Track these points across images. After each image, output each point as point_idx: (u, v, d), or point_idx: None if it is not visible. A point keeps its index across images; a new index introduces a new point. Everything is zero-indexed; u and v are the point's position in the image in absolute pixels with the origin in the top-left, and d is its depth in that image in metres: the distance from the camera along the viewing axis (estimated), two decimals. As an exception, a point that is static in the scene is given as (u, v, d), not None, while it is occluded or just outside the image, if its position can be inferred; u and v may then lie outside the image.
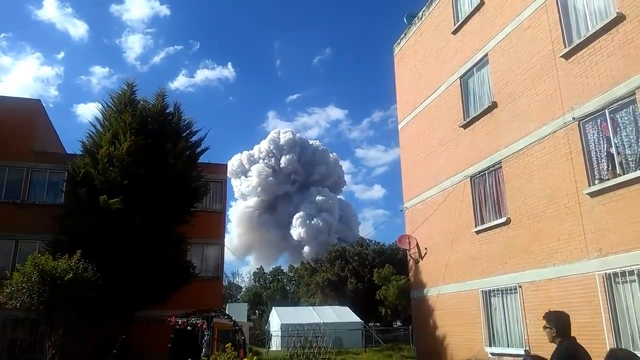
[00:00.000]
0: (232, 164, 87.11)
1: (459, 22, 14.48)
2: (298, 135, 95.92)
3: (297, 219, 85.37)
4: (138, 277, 14.69)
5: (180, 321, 11.22)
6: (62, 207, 17.49)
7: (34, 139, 20.03)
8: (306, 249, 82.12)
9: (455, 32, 14.65)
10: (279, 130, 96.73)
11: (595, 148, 9.67)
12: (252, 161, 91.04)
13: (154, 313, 14.11)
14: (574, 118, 10.00)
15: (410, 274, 16.86)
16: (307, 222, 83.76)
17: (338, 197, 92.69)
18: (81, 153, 17.52)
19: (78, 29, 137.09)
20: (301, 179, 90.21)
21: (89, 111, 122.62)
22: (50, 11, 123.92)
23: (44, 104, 24.50)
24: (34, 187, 19.52)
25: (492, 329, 12.06)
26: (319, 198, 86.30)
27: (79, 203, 16.06)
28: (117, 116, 17.15)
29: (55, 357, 11.48)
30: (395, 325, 40.52)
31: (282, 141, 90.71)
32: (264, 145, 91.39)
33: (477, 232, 12.79)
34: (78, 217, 15.63)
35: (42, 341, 16.15)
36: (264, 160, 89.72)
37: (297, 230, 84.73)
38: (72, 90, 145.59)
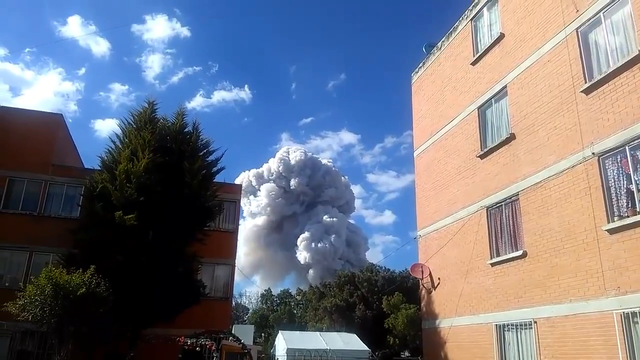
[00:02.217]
0: (240, 180, 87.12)
1: (479, 54, 14.59)
2: (310, 154, 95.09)
3: (301, 242, 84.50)
4: (149, 293, 14.69)
5: (189, 341, 11.15)
6: (77, 220, 17.66)
7: (54, 152, 20.37)
8: (311, 272, 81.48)
9: (474, 63, 14.76)
10: (288, 148, 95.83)
11: (614, 184, 9.58)
12: (261, 180, 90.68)
13: (163, 331, 14.06)
14: (593, 153, 9.95)
15: (422, 304, 16.64)
16: (312, 244, 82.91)
17: (348, 220, 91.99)
18: (99, 168, 17.74)
19: (100, 47, 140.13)
20: (310, 199, 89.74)
21: (106, 127, 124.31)
22: (74, 28, 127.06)
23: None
24: (50, 200, 19.76)
25: (505, 365, 11.79)
26: (326, 218, 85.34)
27: (94, 217, 16.20)
28: (137, 133, 17.40)
29: (62, 371, 11.44)
30: (403, 356, 39.77)
31: (292, 161, 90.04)
32: (274, 164, 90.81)
33: (492, 264, 12.64)
34: (93, 232, 15.75)
35: (50, 354, 16.13)
36: (273, 181, 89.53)
37: (302, 254, 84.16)
38: (91, 105, 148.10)
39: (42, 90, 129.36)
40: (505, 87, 13.20)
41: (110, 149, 18.16)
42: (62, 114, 22.55)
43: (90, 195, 17.18)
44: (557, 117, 11.14)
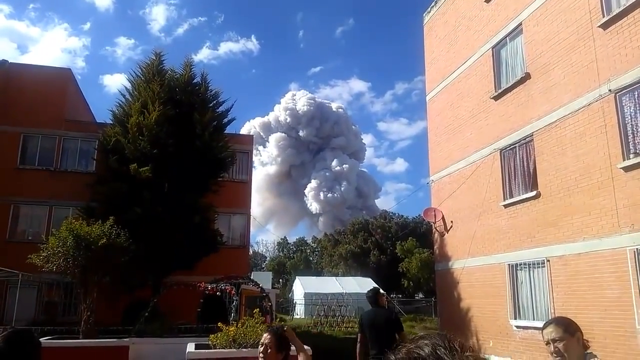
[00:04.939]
0: (246, 131, 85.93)
1: (493, -10, 14.03)
2: (318, 100, 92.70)
3: (309, 192, 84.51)
4: (168, 243, 15.08)
5: (209, 286, 11.50)
6: (93, 174, 17.93)
7: (66, 107, 20.40)
8: (321, 219, 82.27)
9: (488, 0, 14.21)
10: (294, 94, 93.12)
11: (631, 121, 9.41)
12: (268, 129, 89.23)
13: (184, 278, 14.50)
14: (610, 90, 9.71)
15: (435, 247, 16.87)
16: (321, 194, 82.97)
17: (359, 168, 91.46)
18: (111, 122, 17.80)
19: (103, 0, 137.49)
20: (318, 147, 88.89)
21: (115, 82, 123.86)
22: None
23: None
24: (66, 155, 20.00)
25: (518, 303, 12.06)
26: (335, 165, 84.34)
27: (110, 171, 16.43)
28: (146, 86, 17.29)
29: (90, 318, 11.91)
30: (417, 297, 40.81)
31: (299, 110, 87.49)
32: (280, 114, 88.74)
33: (505, 206, 12.67)
34: (109, 185, 16.00)
35: (76, 304, 16.84)
36: (282, 130, 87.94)
37: (312, 204, 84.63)
38: (99, 61, 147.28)
39: (49, 47, 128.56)
40: (520, 24, 12.76)
41: (120, 102, 18.14)
42: (70, 69, 22.44)
43: (104, 149, 17.33)
44: (574, 54, 10.80)
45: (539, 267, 11.39)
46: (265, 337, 3.15)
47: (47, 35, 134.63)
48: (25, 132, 19.43)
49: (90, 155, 19.57)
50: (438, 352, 1.03)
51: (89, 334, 11.56)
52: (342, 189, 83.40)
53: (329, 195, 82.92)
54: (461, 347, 1.05)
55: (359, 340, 6.68)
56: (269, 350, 3.10)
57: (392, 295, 39.13)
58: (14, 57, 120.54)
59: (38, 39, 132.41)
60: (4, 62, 19.53)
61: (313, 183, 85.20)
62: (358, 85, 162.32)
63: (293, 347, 3.30)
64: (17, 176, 18.90)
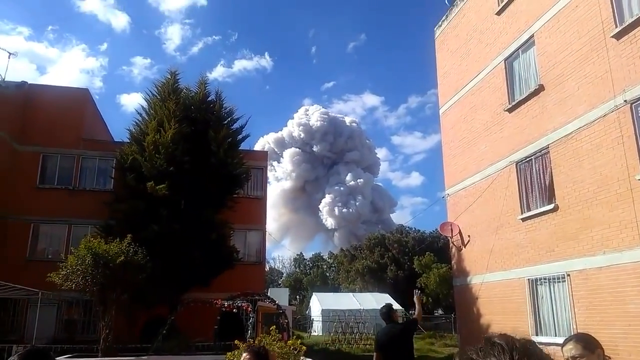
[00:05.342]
0: (260, 147, 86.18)
1: (504, 3, 14.03)
2: (332, 115, 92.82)
3: (324, 207, 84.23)
4: (184, 260, 15.18)
5: (226, 303, 11.53)
6: (111, 193, 18.20)
7: (84, 127, 20.82)
8: (337, 234, 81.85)
9: (499, 12, 14.22)
10: (306, 109, 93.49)
11: (649, 131, 9.26)
12: (282, 145, 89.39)
13: (201, 295, 14.57)
14: (625, 101, 9.59)
15: (452, 262, 16.68)
16: (336, 209, 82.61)
17: (374, 182, 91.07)
18: (128, 141, 18.11)
19: (119, 20, 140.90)
20: (332, 162, 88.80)
21: (131, 101, 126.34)
22: (92, 2, 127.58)
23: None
24: (84, 173, 20.34)
25: (539, 318, 11.82)
26: (350, 180, 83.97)
27: (127, 189, 16.67)
28: (162, 104, 17.60)
29: (108, 336, 12.03)
30: (436, 314, 40.25)
31: (313, 125, 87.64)
32: (294, 129, 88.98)
33: (523, 219, 12.51)
34: (127, 203, 16.23)
35: (94, 321, 16.98)
36: (296, 146, 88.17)
37: (327, 220, 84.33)
38: (116, 80, 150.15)
39: (68, 68, 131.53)
40: (532, 36, 12.72)
41: (137, 121, 18.48)
42: (88, 89, 22.93)
43: (121, 168, 17.62)
44: (587, 64, 10.72)
45: (560, 281, 11.18)
46: (245, 356, 3.17)
47: (65, 56, 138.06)
48: (44, 152, 19.83)
49: (107, 174, 19.88)
50: None
51: (107, 352, 11.65)
52: (357, 203, 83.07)
53: (344, 210, 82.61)
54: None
55: (375, 358, 6.60)
56: None
57: (410, 312, 38.67)
58: (33, 78, 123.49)
59: (56, 60, 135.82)
60: (24, 83, 20.04)
61: (327, 198, 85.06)
62: (371, 99, 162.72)
63: None
64: (37, 195, 19.26)
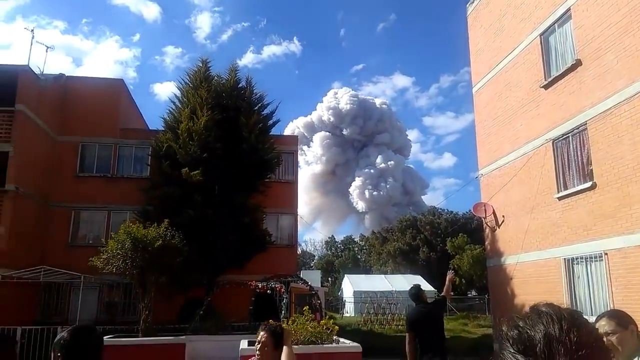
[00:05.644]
0: (289, 131, 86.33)
1: (539, -24, 13.59)
2: (362, 97, 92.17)
3: (354, 190, 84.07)
4: (219, 243, 15.51)
5: (260, 285, 11.76)
6: (147, 179, 18.65)
7: (120, 116, 21.33)
8: (367, 217, 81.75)
9: (534, -14, 13.78)
10: (336, 92, 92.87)
11: (694, 104, 8.89)
12: (311, 129, 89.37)
13: (235, 277, 14.90)
14: (670, 73, 9.22)
15: (486, 243, 16.51)
16: (366, 192, 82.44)
17: (405, 164, 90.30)
18: (163, 129, 18.47)
19: (151, 11, 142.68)
20: (363, 144, 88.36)
21: (164, 90, 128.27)
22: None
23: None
24: (121, 162, 20.88)
25: (575, 298, 11.64)
26: (380, 162, 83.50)
27: (163, 176, 17.06)
28: (194, 92, 17.84)
29: (148, 317, 12.44)
30: (469, 295, 39.97)
31: (342, 109, 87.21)
32: (324, 113, 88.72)
33: (560, 198, 12.25)
34: (163, 189, 16.62)
35: (134, 304, 17.57)
36: (326, 130, 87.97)
37: (358, 203, 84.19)
38: (149, 70, 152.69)
39: (102, 59, 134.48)
40: (569, 9, 12.30)
41: (171, 109, 18.79)
42: (122, 80, 23.43)
43: (157, 155, 18.02)
44: (626, 37, 10.32)
45: (597, 260, 10.95)
46: (262, 335, 3.25)
47: (99, 48, 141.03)
48: (83, 142, 20.44)
49: (144, 161, 20.36)
50: (551, 340, 0.96)
51: (147, 332, 12.07)
52: (388, 186, 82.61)
53: (374, 193, 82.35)
54: (579, 337, 0.95)
55: (408, 340, 6.62)
56: (265, 348, 3.19)
57: (442, 293, 38.48)
58: (69, 70, 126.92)
59: (91, 52, 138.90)
60: (62, 75, 20.61)
61: (358, 181, 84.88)
62: (402, 80, 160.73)
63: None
64: (77, 183, 19.93)
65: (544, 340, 0.96)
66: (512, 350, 0.99)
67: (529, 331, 1.00)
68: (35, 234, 18.11)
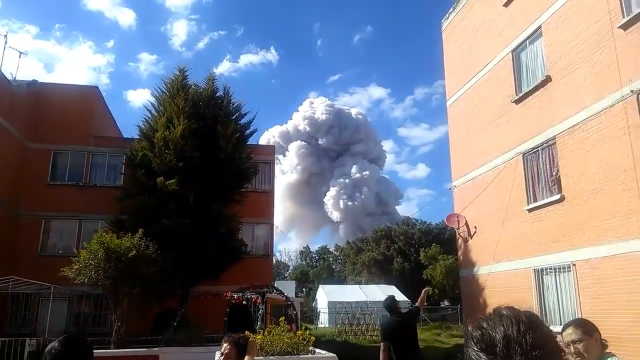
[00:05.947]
0: (265, 140, 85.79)
1: (511, -5, 14.04)
2: (337, 107, 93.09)
3: (329, 200, 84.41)
4: (194, 253, 15.37)
5: (235, 296, 11.72)
6: (121, 188, 18.39)
7: (93, 124, 21.03)
8: (342, 227, 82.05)
9: (506, 4, 14.22)
10: (311, 101, 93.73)
11: (656, 122, 9.30)
12: (287, 138, 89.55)
13: (210, 288, 14.77)
14: (632, 91, 9.64)
15: (459, 253, 16.79)
16: (340, 202, 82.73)
17: (379, 174, 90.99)
18: (138, 137, 18.28)
19: (126, 17, 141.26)
20: (338, 154, 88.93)
21: (138, 97, 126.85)
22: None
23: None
24: (94, 170, 20.57)
25: (545, 308, 11.93)
26: (355, 172, 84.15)
27: (137, 184, 16.86)
28: (171, 101, 17.74)
29: (120, 329, 12.25)
30: (442, 305, 40.39)
31: (318, 118, 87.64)
32: (300, 122, 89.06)
33: (530, 210, 12.59)
34: (137, 198, 16.42)
35: (105, 315, 17.23)
36: (301, 139, 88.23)
37: (332, 213, 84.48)
38: (123, 77, 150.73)
39: (75, 65, 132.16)
40: (540, 27, 12.74)
41: (146, 117, 18.63)
42: (97, 87, 23.18)
43: (131, 164, 17.82)
44: (594, 55, 10.75)
45: (565, 271, 11.28)
46: (225, 347, 3.30)
47: (72, 54, 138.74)
48: (55, 149, 20.07)
49: (118, 170, 20.10)
50: (509, 340, 1.06)
51: (120, 343, 11.87)
52: (362, 196, 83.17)
53: (349, 203, 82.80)
54: (535, 338, 1.06)
55: (382, 349, 6.74)
56: None
57: (416, 303, 38.77)
58: (41, 76, 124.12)
59: (64, 57, 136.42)
60: (34, 82, 20.24)
61: (332, 191, 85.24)
62: (377, 91, 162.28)
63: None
64: (48, 192, 19.53)
65: (503, 340, 1.07)
66: (476, 349, 1.10)
67: (490, 332, 1.10)
68: (4, 243, 17.64)
